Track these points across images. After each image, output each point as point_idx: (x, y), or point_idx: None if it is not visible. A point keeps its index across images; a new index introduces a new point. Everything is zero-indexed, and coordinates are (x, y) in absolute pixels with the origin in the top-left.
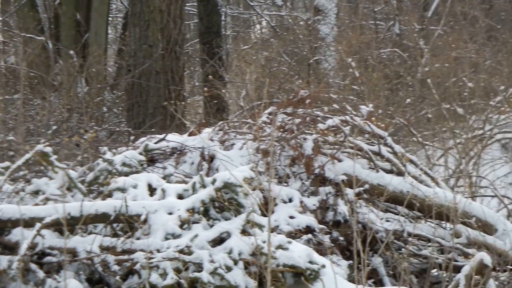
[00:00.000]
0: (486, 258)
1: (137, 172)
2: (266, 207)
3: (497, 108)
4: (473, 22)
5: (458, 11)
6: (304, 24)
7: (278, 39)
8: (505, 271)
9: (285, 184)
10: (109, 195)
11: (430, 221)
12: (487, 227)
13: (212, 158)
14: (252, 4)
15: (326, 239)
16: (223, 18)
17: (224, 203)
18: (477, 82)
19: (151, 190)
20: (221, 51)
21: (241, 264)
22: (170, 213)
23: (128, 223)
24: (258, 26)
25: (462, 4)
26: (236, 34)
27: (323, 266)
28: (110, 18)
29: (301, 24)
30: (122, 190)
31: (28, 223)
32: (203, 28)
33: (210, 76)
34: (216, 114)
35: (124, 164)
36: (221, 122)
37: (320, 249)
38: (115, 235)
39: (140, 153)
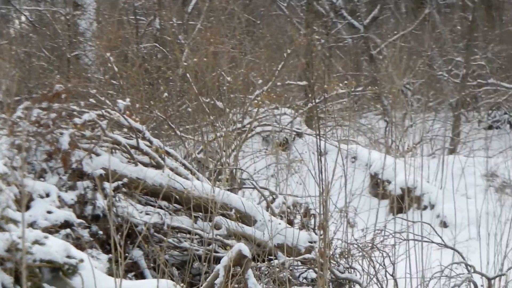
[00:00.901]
0: (244, 248)
1: None
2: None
3: (256, 102)
4: (232, 17)
5: (217, 6)
6: (63, 19)
7: (37, 34)
8: (264, 261)
9: (42, 179)
10: None
11: (190, 214)
12: (246, 219)
13: None
14: None
15: (85, 233)
16: None
17: None
18: (236, 77)
19: None
20: None
21: None
22: None
23: None
24: (17, 21)
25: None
26: None
27: (81, 261)
28: None
29: (61, 19)
30: None
31: None
32: None
33: None
34: None
35: None
36: None
37: (79, 243)
38: None
39: None
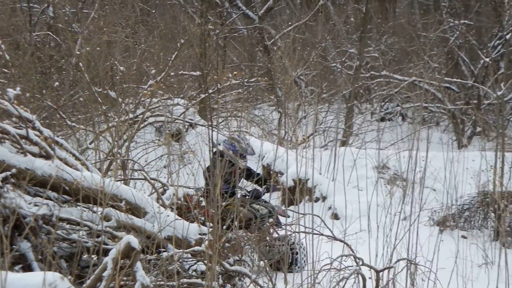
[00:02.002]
0: (133, 240)
1: None
2: None
3: (149, 92)
4: (126, 6)
5: None
6: None
7: None
8: (153, 253)
9: None
10: None
11: (79, 205)
12: (137, 210)
13: None
14: None
15: None
16: None
17: None
18: (130, 66)
19: None
20: None
21: None
22: None
23: None
24: None
25: None
26: None
27: None
28: None
29: None
30: None
31: None
32: None
33: None
34: None
35: None
36: None
37: None
38: None
39: None
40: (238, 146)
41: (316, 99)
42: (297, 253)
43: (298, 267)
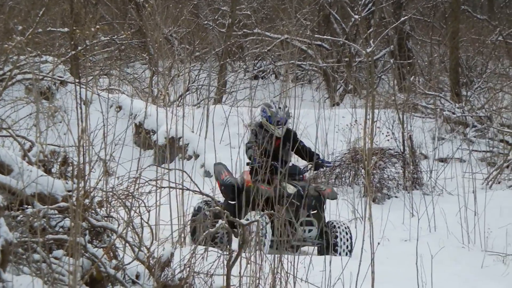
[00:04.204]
0: None
1: None
2: None
3: (15, 48)
4: None
5: None
6: None
7: None
8: (18, 209)
9: None
10: None
11: None
12: (2, 167)
13: None
14: None
15: None
16: None
17: None
18: None
19: None
20: None
21: None
22: None
23: None
24: None
25: None
26: None
27: None
28: None
29: None
30: None
31: None
32: None
33: None
34: None
35: None
36: None
37: None
38: None
39: None
40: (269, 111)
41: (188, 57)
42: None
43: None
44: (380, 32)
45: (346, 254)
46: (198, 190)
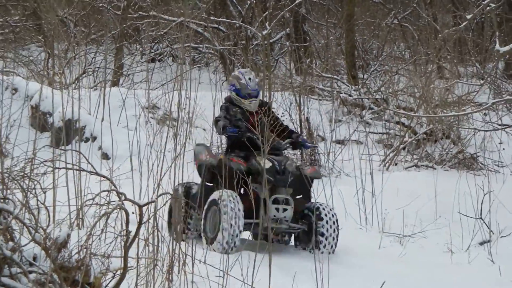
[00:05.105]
0: None
1: None
2: None
3: None
4: None
5: None
6: None
7: None
8: None
9: None
10: None
11: None
12: None
13: None
14: None
15: None
16: None
17: None
18: None
19: None
20: None
21: None
22: None
23: None
24: None
25: None
26: None
27: None
28: None
29: None
30: None
31: None
32: None
33: None
34: None
35: None
36: None
37: None
38: None
39: None
40: (238, 84)
41: (84, 40)
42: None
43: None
44: (276, 15)
45: (330, 253)
46: (94, 171)
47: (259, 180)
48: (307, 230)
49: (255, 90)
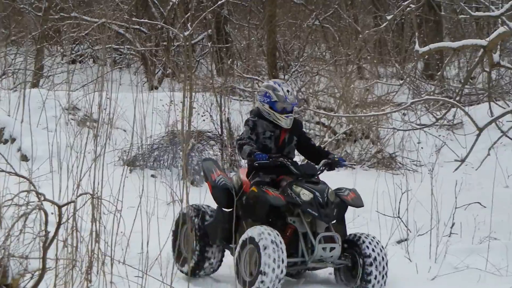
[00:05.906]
0: None
1: None
2: None
3: None
4: None
5: None
6: None
7: None
8: None
9: None
10: None
11: None
12: None
13: None
14: None
15: None
16: None
17: None
18: None
19: None
20: None
21: None
22: None
23: None
24: None
25: None
26: None
27: None
28: None
29: None
30: None
31: None
32: None
33: None
34: None
35: None
36: None
37: None
38: None
39: None
40: (275, 96)
41: (4, 41)
42: None
43: None
44: (198, 16)
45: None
46: (13, 172)
47: (295, 212)
48: (351, 265)
49: (294, 105)
